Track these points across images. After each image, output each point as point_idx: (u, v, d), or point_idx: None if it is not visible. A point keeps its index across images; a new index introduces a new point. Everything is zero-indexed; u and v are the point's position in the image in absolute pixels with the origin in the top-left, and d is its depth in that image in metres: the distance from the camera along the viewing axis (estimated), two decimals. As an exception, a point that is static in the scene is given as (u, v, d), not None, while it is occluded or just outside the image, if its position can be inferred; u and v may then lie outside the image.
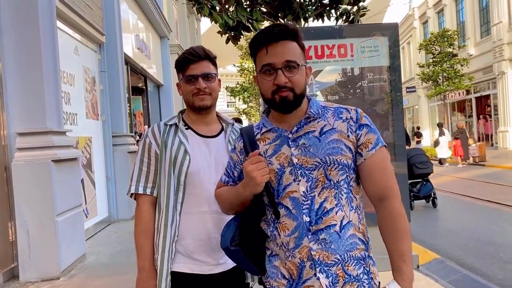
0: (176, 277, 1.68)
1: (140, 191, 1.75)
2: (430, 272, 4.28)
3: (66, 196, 4.53)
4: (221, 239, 1.49)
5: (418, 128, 23.07)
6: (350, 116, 1.42)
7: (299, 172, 1.36)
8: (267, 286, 1.45)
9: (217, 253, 1.69)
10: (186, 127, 1.80)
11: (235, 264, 1.66)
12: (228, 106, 42.42)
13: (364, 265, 1.38)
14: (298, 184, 1.36)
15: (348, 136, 1.40)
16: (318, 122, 1.41)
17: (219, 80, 1.83)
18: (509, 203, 7.85)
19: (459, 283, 4.10)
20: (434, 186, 8.14)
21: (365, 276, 1.37)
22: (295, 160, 1.37)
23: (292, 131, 1.40)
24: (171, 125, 1.79)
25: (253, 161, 1.33)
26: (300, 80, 1.36)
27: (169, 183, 1.71)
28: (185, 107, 1.89)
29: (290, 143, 1.39)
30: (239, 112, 30.24)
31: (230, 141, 1.81)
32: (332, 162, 1.35)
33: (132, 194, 1.77)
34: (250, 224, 1.48)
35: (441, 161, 16.89)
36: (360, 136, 1.40)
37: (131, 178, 1.78)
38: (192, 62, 1.74)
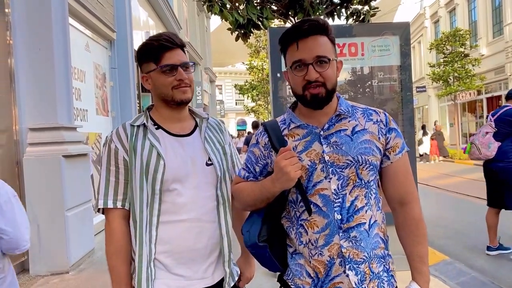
0: None
1: (110, 205, 1.52)
2: (439, 273, 4.25)
3: (76, 191, 4.58)
4: (245, 235, 1.44)
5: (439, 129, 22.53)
6: (380, 119, 1.43)
7: (330, 169, 1.36)
8: (290, 284, 1.43)
9: (200, 265, 1.53)
10: (156, 126, 1.57)
11: (221, 278, 1.58)
12: (236, 104, 42.46)
13: (384, 263, 1.40)
14: (329, 181, 1.35)
15: (379, 138, 1.41)
16: (349, 121, 1.41)
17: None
18: (519, 205, 7.75)
19: (468, 285, 4.07)
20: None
21: (385, 274, 1.40)
22: (326, 158, 1.36)
23: (324, 128, 1.40)
24: (138, 126, 1.55)
25: (286, 156, 1.30)
26: (331, 75, 1.35)
27: (142, 194, 1.49)
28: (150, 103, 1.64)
29: (322, 140, 1.38)
30: (248, 110, 30.23)
31: (206, 138, 1.61)
32: (364, 162, 1.36)
33: (100, 209, 1.55)
34: (274, 220, 1.46)
35: (423, 156, 19.18)
36: (390, 139, 1.42)
37: (98, 191, 1.55)
38: (168, 49, 1.51)
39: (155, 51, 1.51)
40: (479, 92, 22.27)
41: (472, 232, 6.26)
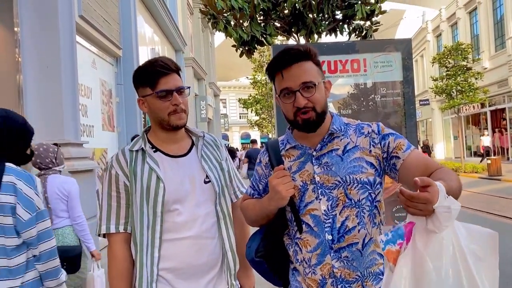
0: None
1: (112, 230, 1.56)
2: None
3: (82, 206, 4.60)
4: (246, 250, 1.52)
5: (426, 143, 22.07)
6: (372, 130, 1.44)
7: (320, 190, 1.38)
8: None
9: (200, 280, 1.56)
10: (154, 149, 1.61)
11: None
12: (240, 118, 42.64)
13: (382, 280, 1.40)
14: (320, 202, 1.38)
15: (370, 151, 1.40)
16: (342, 139, 1.42)
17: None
18: (525, 219, 7.71)
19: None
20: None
21: None
22: (317, 179, 1.39)
23: (316, 148, 1.42)
24: (137, 151, 1.59)
25: (278, 175, 1.35)
26: (319, 98, 1.38)
27: (142, 217, 1.53)
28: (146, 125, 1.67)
29: (313, 161, 1.41)
30: (251, 123, 30.35)
31: (203, 156, 1.65)
32: (352, 181, 1.36)
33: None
34: (273, 237, 1.50)
35: None
36: (389, 143, 1.40)
37: (100, 217, 1.60)
38: (163, 75, 1.54)
39: (150, 76, 1.55)
40: (482, 105, 22.26)
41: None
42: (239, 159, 17.58)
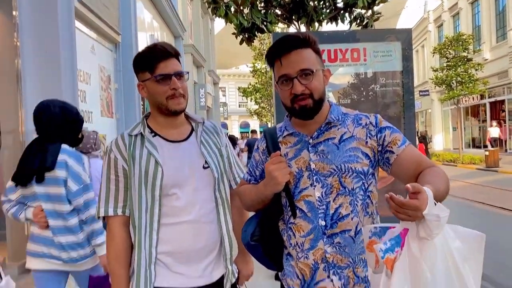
0: None
1: (111, 213, 1.59)
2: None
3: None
4: (242, 234, 1.54)
5: (423, 134, 21.63)
6: (370, 121, 1.45)
7: (315, 177, 1.40)
8: (284, 284, 1.50)
9: (198, 264, 1.59)
10: (153, 134, 1.62)
11: (220, 276, 1.64)
12: (240, 106, 42.52)
13: None
14: (314, 189, 1.40)
15: (366, 142, 1.42)
16: (339, 129, 1.44)
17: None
18: (521, 210, 7.76)
19: (467, 289, 4.08)
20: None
21: None
22: (312, 166, 1.41)
23: (313, 136, 1.43)
24: (136, 135, 1.61)
25: (274, 161, 1.36)
26: (317, 86, 1.38)
27: (140, 200, 1.55)
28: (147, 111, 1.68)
29: (310, 148, 1.43)
30: (251, 112, 30.28)
31: (202, 142, 1.67)
32: (346, 170, 1.38)
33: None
34: (269, 221, 1.52)
35: None
36: (384, 136, 1.41)
37: (99, 199, 1.62)
38: (162, 59, 1.55)
39: (149, 61, 1.56)
40: (482, 97, 22.24)
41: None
42: (240, 148, 17.67)
